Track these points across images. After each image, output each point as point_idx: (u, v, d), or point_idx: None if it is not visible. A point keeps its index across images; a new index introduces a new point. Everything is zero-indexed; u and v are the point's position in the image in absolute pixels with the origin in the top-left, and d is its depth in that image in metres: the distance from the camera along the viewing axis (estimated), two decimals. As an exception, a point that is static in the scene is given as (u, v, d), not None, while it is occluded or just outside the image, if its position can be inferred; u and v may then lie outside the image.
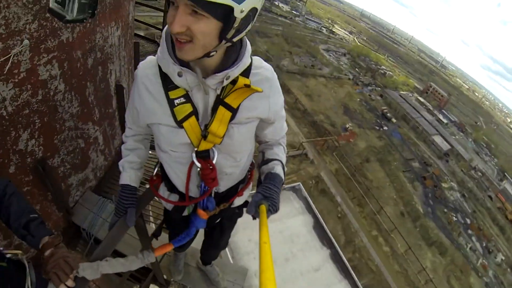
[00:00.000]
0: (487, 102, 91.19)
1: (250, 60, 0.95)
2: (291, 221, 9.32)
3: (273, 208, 0.99)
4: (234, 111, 0.94)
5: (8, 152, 1.55)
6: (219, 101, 0.93)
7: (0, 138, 1.47)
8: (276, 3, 78.20)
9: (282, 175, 1.10)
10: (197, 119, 0.95)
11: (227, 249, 7.25)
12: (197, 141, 0.97)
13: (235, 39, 0.80)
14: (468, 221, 28.30)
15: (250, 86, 0.89)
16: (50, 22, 1.44)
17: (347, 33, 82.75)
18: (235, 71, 0.88)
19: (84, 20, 0.96)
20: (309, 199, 10.40)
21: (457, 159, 38.37)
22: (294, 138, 25.64)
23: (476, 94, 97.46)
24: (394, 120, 39.02)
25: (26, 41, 1.33)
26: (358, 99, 40.48)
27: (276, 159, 1.14)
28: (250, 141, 1.12)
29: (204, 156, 1.01)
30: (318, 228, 9.47)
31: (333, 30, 76.10)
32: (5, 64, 1.27)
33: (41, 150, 1.74)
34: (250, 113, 0.99)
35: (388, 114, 39.50)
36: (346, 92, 40.47)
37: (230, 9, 0.67)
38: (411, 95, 51.99)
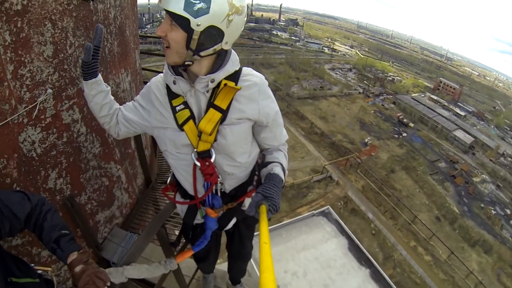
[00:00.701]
0: (500, 84, 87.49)
1: (235, 67, 1.09)
2: (325, 246, 9.42)
3: (273, 208, 1.02)
4: (224, 112, 1.07)
5: (39, 190, 1.68)
6: (210, 104, 1.08)
7: (31, 177, 1.60)
8: (275, 32, 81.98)
9: (281, 175, 1.14)
10: (194, 122, 1.10)
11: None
12: (196, 142, 1.11)
13: (202, 53, 0.98)
14: (508, 211, 27.58)
15: (227, 85, 1.04)
16: (68, 73, 1.59)
17: (348, 48, 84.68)
18: (219, 75, 1.04)
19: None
20: (340, 221, 10.69)
21: (483, 149, 37.71)
22: (316, 163, 26.87)
23: (488, 78, 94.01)
24: (411, 124, 39.35)
25: (49, 90, 1.49)
26: (372, 111, 41.33)
27: (275, 161, 1.19)
28: (245, 141, 1.19)
29: (204, 156, 1.13)
30: (353, 248, 9.53)
31: (334, 48, 78.24)
32: (33, 111, 1.44)
33: (68, 188, 1.85)
34: (239, 114, 1.10)
35: (405, 120, 39.96)
36: (359, 107, 41.51)
37: (188, 21, 0.89)
38: (423, 95, 52.10)
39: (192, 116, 1.11)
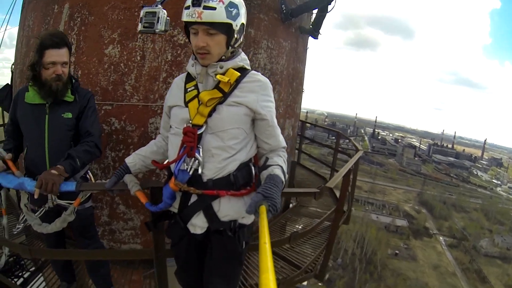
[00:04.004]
0: None
1: (243, 63, 1.29)
2: None
3: (273, 208, 1.04)
4: (225, 94, 1.23)
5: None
6: (215, 86, 1.25)
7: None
8: (474, 171, 75.26)
9: (282, 176, 1.18)
10: (198, 101, 1.25)
11: None
12: (194, 115, 1.24)
13: (236, 45, 1.26)
14: None
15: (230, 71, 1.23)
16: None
17: None
18: (227, 63, 1.24)
19: (164, 33, 1.31)
20: None
21: None
22: None
23: None
24: None
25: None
26: None
27: (275, 164, 1.23)
28: (238, 125, 1.24)
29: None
30: None
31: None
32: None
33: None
34: (238, 99, 1.23)
35: None
36: None
37: (230, 25, 1.17)
38: None
39: (198, 95, 1.27)
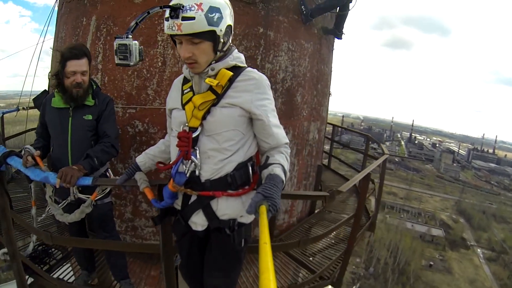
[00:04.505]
0: None
1: (236, 62, 1.27)
2: None
3: (273, 208, 1.03)
4: (218, 96, 1.22)
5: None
6: (209, 88, 1.24)
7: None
8: None
9: (282, 176, 1.16)
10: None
11: None
12: (190, 118, 1.25)
13: (224, 48, 1.23)
14: None
15: (222, 71, 1.22)
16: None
17: None
18: (218, 65, 1.22)
19: (139, 63, 1.24)
20: None
21: None
22: None
23: None
24: None
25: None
26: None
27: (276, 163, 1.20)
28: (233, 127, 1.24)
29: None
30: None
31: None
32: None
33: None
34: (232, 100, 1.22)
35: None
36: None
37: (214, 31, 1.13)
38: None
39: (192, 100, 1.26)
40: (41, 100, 3.28)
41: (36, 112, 3.70)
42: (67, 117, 1.94)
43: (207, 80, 1.21)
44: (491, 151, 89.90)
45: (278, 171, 1.17)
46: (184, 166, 1.27)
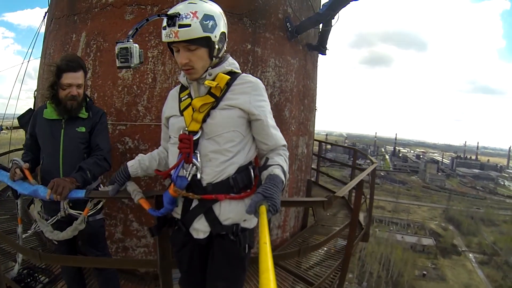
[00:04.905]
0: None
1: (232, 67, 1.32)
2: None
3: (273, 209, 1.04)
4: (217, 98, 1.26)
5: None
6: (207, 92, 1.28)
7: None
8: (501, 182, 71.68)
9: (282, 176, 1.18)
10: (192, 108, 1.28)
11: None
12: (189, 122, 1.27)
13: (220, 54, 1.28)
14: None
15: (220, 75, 1.26)
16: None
17: None
18: (215, 70, 1.27)
19: (139, 65, 1.29)
20: None
21: None
22: None
23: None
24: None
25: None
26: None
27: (275, 164, 1.22)
28: (233, 128, 1.26)
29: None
30: None
31: None
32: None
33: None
34: (231, 102, 1.25)
35: None
36: None
37: (209, 38, 1.19)
38: None
39: (191, 103, 1.29)
40: (26, 118, 3.23)
41: (19, 135, 3.64)
42: (59, 129, 1.91)
43: (207, 82, 1.25)
44: (474, 157, 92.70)
45: (278, 171, 1.18)
46: (184, 170, 1.27)
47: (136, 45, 1.26)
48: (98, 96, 2.86)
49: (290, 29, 3.55)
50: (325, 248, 3.65)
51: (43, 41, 3.74)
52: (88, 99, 2.03)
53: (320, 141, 6.85)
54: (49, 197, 1.57)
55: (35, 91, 3.55)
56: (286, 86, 3.63)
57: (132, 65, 1.26)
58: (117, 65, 1.27)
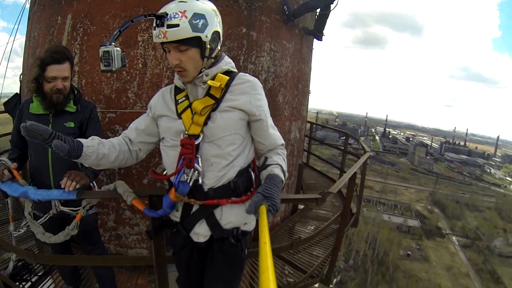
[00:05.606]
0: None
1: (229, 67, 1.28)
2: None
3: (273, 208, 1.04)
4: (217, 100, 1.22)
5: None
6: (206, 94, 1.24)
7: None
8: (487, 169, 72.86)
9: (281, 176, 1.18)
10: (191, 111, 1.24)
11: None
12: (189, 126, 1.23)
13: (213, 55, 1.23)
14: None
15: (219, 76, 1.22)
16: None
17: None
18: (212, 70, 1.23)
19: (121, 68, 1.26)
20: None
21: None
22: None
23: None
24: None
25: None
26: None
27: (274, 164, 1.23)
28: (235, 130, 1.23)
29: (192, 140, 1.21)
30: None
31: None
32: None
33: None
34: (231, 103, 1.22)
35: None
36: None
37: (199, 38, 1.14)
38: None
39: (190, 106, 1.25)
40: (12, 103, 3.09)
41: (6, 116, 3.50)
42: (46, 124, 1.79)
43: (210, 82, 1.22)
44: (462, 143, 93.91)
45: (277, 171, 1.19)
46: (185, 175, 1.24)
47: (118, 48, 1.23)
48: (86, 82, 2.74)
49: (287, 12, 3.43)
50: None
51: (27, 23, 3.52)
52: (76, 92, 1.94)
53: (312, 123, 6.80)
54: (64, 185, 1.54)
55: (20, 75, 3.38)
56: (281, 71, 3.55)
57: (114, 69, 1.23)
58: (101, 69, 1.23)
